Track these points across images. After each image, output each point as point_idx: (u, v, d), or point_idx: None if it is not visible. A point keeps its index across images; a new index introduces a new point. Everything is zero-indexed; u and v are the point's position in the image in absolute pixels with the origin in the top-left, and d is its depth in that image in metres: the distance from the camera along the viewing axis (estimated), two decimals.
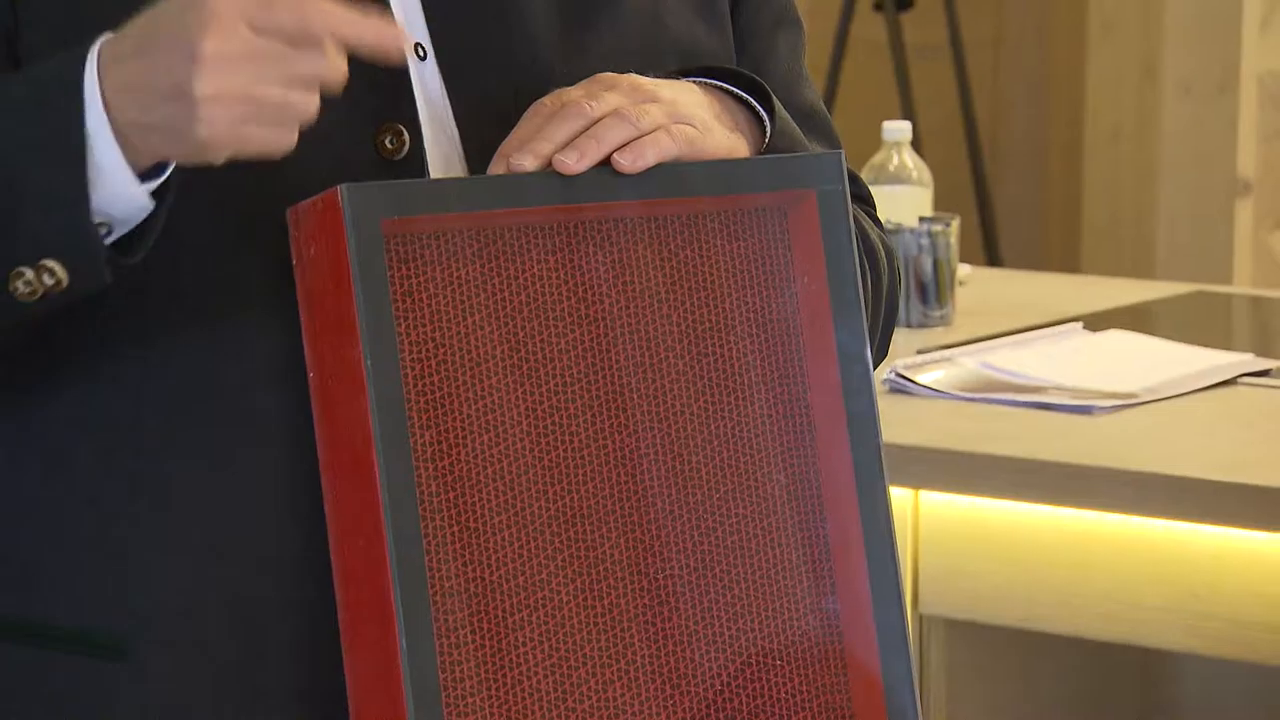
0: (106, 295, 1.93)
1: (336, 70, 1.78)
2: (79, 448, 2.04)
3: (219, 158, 1.81)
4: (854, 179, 2.19)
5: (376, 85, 1.97)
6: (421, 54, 2.04)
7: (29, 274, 1.83)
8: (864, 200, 2.20)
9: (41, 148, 1.87)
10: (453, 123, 2.02)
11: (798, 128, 2.04)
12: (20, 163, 1.88)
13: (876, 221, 2.21)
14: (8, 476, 2.06)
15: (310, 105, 1.79)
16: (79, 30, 1.89)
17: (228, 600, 1.98)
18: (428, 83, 2.02)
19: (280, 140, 1.79)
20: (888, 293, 2.18)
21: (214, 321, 1.96)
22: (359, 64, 1.91)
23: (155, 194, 1.86)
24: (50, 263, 1.84)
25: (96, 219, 1.85)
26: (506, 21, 2.04)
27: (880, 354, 2.20)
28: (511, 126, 1.92)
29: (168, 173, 1.85)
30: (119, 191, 1.86)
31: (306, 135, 1.89)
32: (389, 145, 1.97)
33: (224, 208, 1.94)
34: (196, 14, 1.77)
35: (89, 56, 1.84)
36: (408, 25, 2.01)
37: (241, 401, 1.93)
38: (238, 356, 1.94)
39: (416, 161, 1.98)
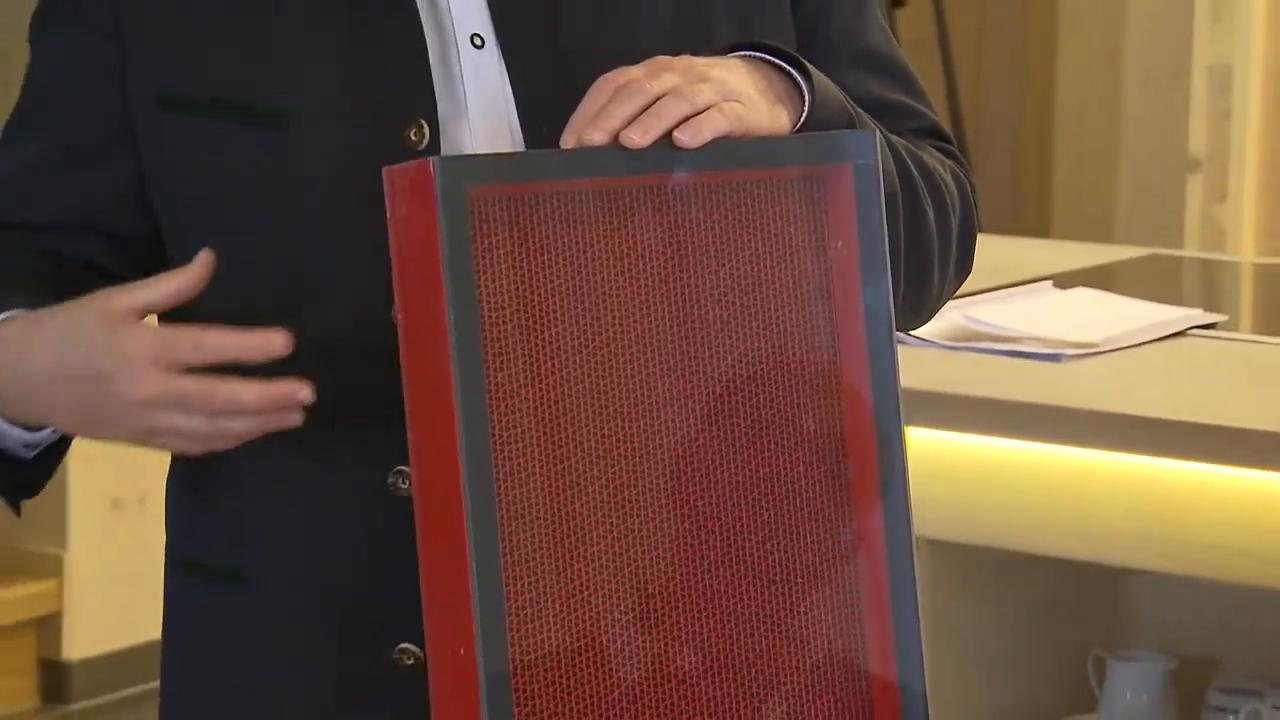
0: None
1: (244, 395, 1.84)
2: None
3: None
4: (933, 129, 2.26)
5: (412, 88, 2.04)
6: (479, 43, 2.04)
7: None
8: (944, 141, 2.23)
9: None
10: (511, 102, 2.03)
11: (840, 91, 2.02)
12: None
13: (953, 156, 2.23)
14: (179, 465, 2.17)
15: (235, 428, 1.88)
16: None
17: (328, 544, 2.07)
18: (484, 69, 2.03)
19: (196, 449, 1.93)
20: (961, 227, 2.20)
21: (299, 303, 2.02)
22: (386, 65, 2.04)
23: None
24: None
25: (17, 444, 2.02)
26: (557, 16, 2.05)
27: (960, 278, 2.28)
28: (566, 100, 1.90)
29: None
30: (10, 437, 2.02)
31: (343, 128, 2.03)
32: (413, 138, 2.00)
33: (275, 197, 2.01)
34: (114, 365, 1.85)
35: None
36: (465, 18, 2.04)
37: (339, 380, 1.97)
38: (326, 334, 2.00)
39: (435, 151, 2.00)
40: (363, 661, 2.05)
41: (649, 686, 1.95)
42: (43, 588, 5.24)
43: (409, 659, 2.00)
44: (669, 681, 1.95)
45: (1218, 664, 3.58)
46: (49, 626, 5.27)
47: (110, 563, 4.55)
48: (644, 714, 1.94)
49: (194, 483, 2.17)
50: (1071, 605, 3.62)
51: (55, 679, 5.26)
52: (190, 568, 2.17)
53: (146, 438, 1.89)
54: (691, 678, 1.96)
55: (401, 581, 1.94)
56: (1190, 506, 3.25)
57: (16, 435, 1.99)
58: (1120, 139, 5.43)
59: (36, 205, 2.09)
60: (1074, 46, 5.84)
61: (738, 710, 1.98)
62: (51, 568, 5.26)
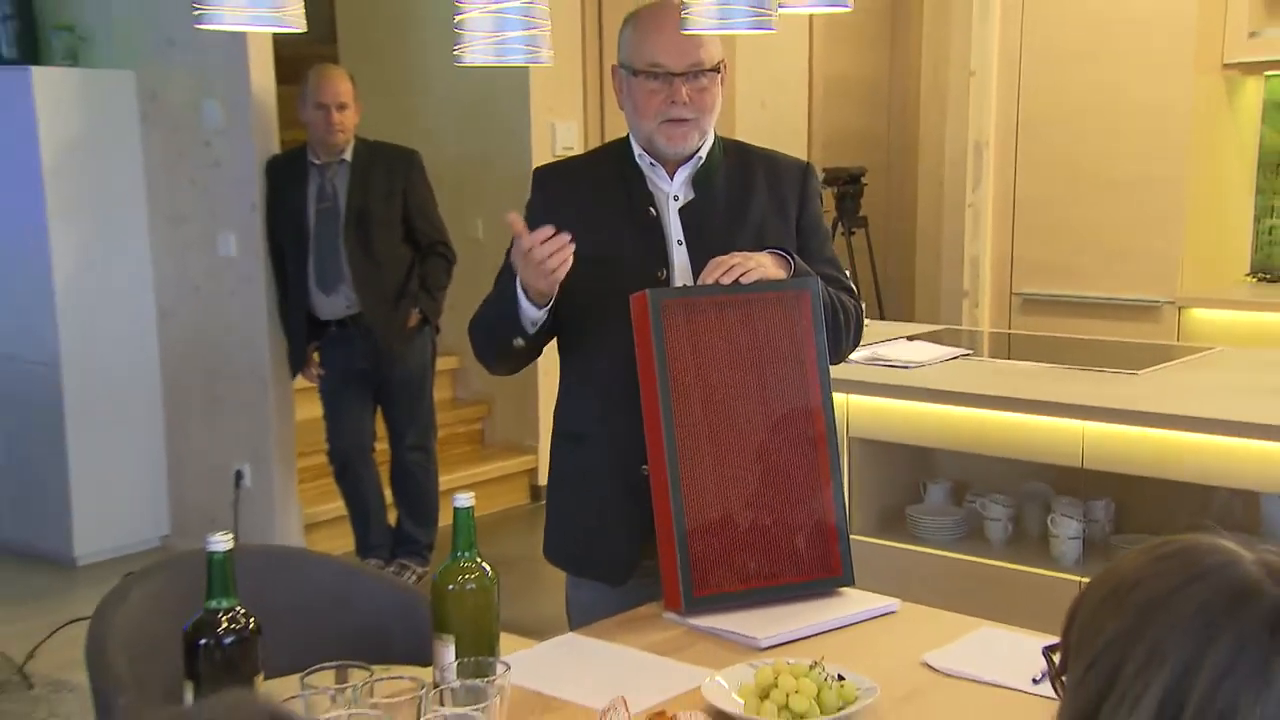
0: (569, 336, 2.05)
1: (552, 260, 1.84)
2: (577, 377, 2.08)
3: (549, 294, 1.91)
4: (845, 285, 2.11)
5: (658, 258, 1.99)
6: (680, 243, 2.01)
7: (515, 342, 1.97)
8: (852, 293, 2.14)
9: (509, 307, 1.94)
10: (689, 267, 1.99)
11: (807, 265, 1.98)
12: (508, 308, 1.95)
13: (853, 296, 2.13)
14: (560, 399, 2.13)
15: (562, 261, 1.85)
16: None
17: (612, 421, 2.01)
18: (680, 256, 2.01)
19: (557, 275, 1.86)
20: (853, 327, 2.08)
21: (602, 333, 2.00)
22: (651, 245, 1.99)
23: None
24: (518, 341, 1.96)
25: (529, 322, 1.94)
26: (712, 234, 2.00)
27: (852, 348, 2.12)
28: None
29: (549, 305, 1.93)
30: (531, 312, 1.93)
31: (633, 268, 1.96)
32: (660, 276, 1.99)
33: (602, 297, 1.96)
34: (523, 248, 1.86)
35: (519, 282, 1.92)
36: (674, 232, 2.00)
37: (619, 367, 1.94)
38: (613, 347, 1.97)
39: (669, 282, 1.97)
40: (629, 473, 1.99)
41: (741, 527, 1.91)
42: (529, 458, 5.31)
43: (645, 471, 1.93)
44: (750, 526, 1.91)
45: (969, 483, 3.50)
46: (532, 472, 5.32)
47: None
48: (740, 539, 1.90)
49: (564, 398, 2.11)
50: (913, 463, 3.55)
51: (535, 492, 5.30)
52: (561, 435, 2.12)
53: (540, 278, 1.86)
54: (760, 526, 1.91)
55: (641, 438, 1.89)
56: (964, 423, 3.19)
57: (531, 315, 1.93)
58: (940, 285, 5.27)
59: None
60: (924, 248, 5.72)
61: (782, 540, 1.92)
62: (533, 449, 5.31)
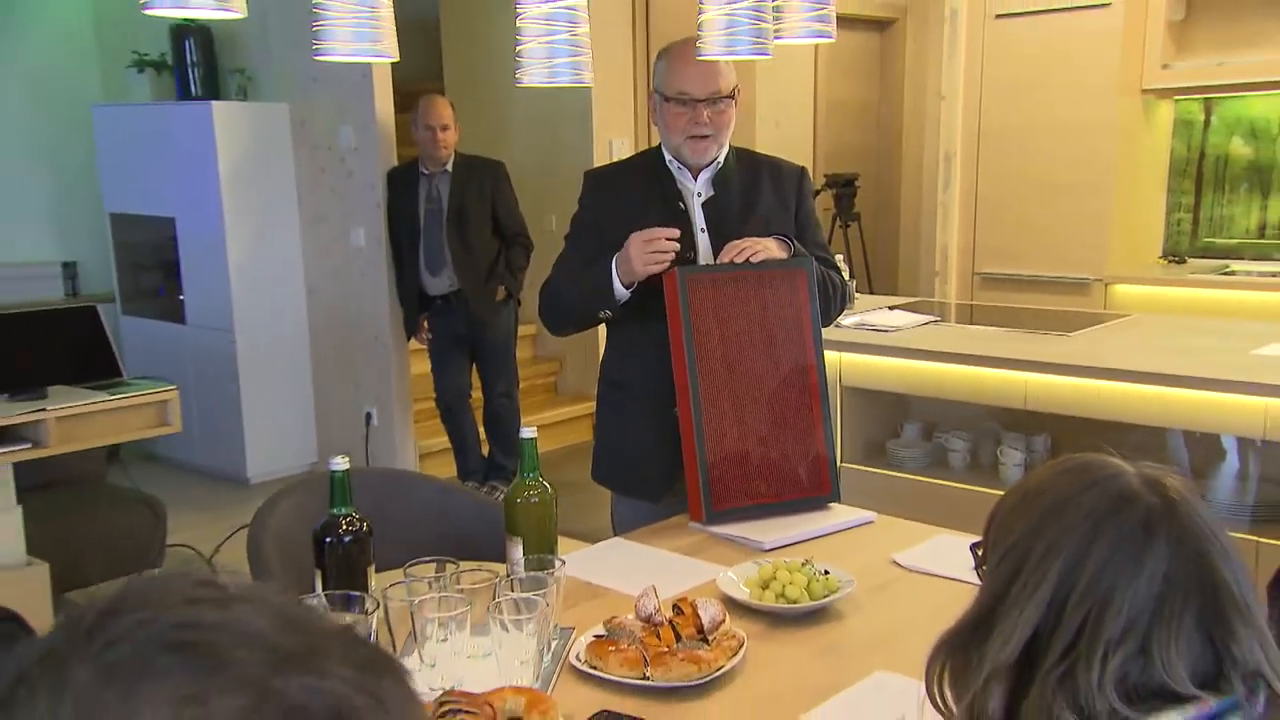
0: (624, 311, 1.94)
1: (669, 251, 1.80)
2: (621, 338, 2.02)
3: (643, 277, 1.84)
4: (833, 265, 2.05)
5: (687, 244, 1.93)
6: (703, 231, 1.96)
7: (601, 314, 1.91)
8: (834, 268, 2.08)
9: (601, 287, 1.88)
10: (710, 250, 1.95)
11: (805, 249, 1.94)
12: (600, 287, 1.85)
13: (839, 273, 2.08)
14: (606, 352, 2.07)
15: (664, 260, 1.80)
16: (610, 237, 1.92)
17: (649, 373, 1.96)
18: (703, 241, 1.97)
19: (657, 269, 1.81)
20: (839, 297, 2.05)
21: (641, 303, 1.93)
22: (682, 234, 1.89)
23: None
24: (604, 312, 1.91)
25: (618, 298, 1.87)
26: (728, 224, 1.96)
27: (839, 314, 2.07)
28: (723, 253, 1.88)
29: (634, 284, 1.89)
30: (620, 292, 1.88)
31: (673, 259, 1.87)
32: (688, 257, 1.93)
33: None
34: (625, 257, 1.82)
35: (612, 263, 1.86)
36: (698, 220, 1.94)
37: (654, 330, 1.90)
38: (650, 313, 1.92)
39: (691, 261, 1.91)
40: (663, 414, 1.96)
41: (748, 457, 1.87)
42: (592, 404, 5.21)
43: (675, 413, 1.90)
44: (759, 456, 1.88)
45: (937, 422, 3.43)
46: (591, 413, 5.26)
47: None
48: (751, 466, 1.87)
49: (609, 354, 2.06)
50: (893, 407, 3.48)
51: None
52: (607, 382, 2.08)
53: (643, 262, 1.81)
54: (767, 457, 1.88)
55: (671, 385, 1.87)
56: (933, 375, 3.12)
57: (621, 295, 1.87)
58: (917, 267, 5.18)
59: None
60: (905, 237, 5.63)
61: (785, 467, 1.89)
62: (591, 396, 5.27)
